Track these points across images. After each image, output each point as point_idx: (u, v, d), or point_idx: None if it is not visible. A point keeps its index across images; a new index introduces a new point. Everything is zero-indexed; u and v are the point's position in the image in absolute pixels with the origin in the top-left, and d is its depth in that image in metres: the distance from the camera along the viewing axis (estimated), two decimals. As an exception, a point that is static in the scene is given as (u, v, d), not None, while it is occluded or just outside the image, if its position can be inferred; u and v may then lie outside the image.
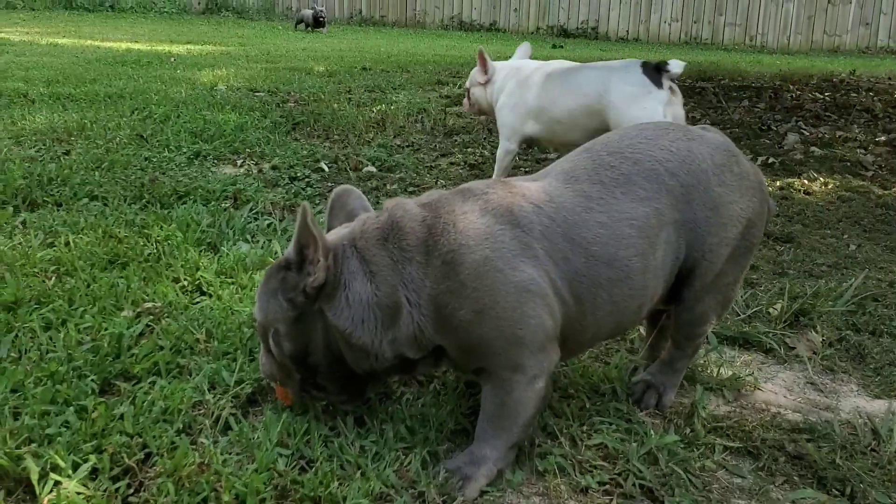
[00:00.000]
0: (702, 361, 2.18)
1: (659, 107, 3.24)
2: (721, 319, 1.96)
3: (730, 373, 2.14)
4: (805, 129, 6.13)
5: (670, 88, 3.29)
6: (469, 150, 4.92)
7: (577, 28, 18.80)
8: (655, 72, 3.29)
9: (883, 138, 5.85)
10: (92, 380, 1.83)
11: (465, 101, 4.10)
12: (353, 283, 1.60)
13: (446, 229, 1.60)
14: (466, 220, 1.61)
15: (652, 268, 1.72)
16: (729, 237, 1.79)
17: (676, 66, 3.30)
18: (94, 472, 1.53)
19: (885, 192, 4.32)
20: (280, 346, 1.66)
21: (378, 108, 6.06)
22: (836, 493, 1.66)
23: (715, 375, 2.13)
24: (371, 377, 1.71)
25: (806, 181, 4.43)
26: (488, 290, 1.56)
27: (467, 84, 4.05)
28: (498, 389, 1.65)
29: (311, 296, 1.59)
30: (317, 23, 6.58)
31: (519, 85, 3.67)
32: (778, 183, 4.35)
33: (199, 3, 19.64)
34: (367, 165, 4.28)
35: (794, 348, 2.34)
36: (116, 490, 1.50)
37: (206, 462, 1.56)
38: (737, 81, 9.45)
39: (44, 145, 4.10)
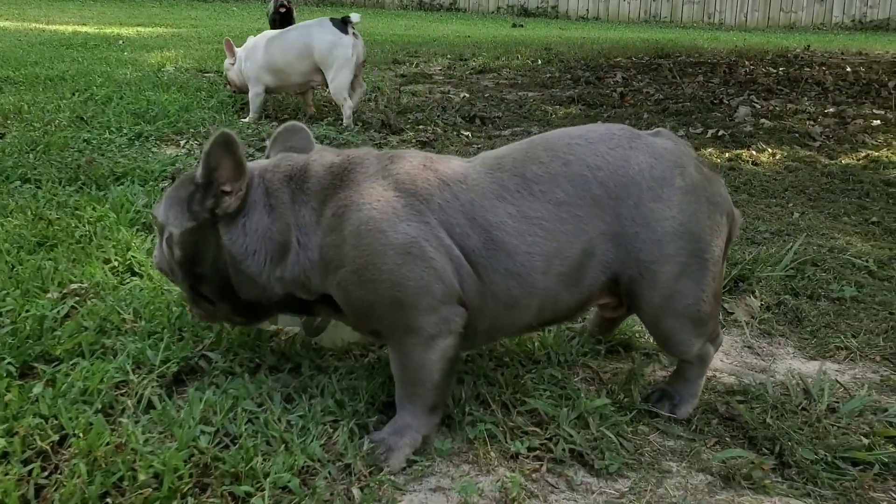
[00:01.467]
0: (638, 328, 2.17)
1: (349, 48, 4.55)
2: (707, 331, 1.77)
3: (667, 339, 2.13)
4: (757, 103, 6.18)
5: (353, 34, 4.59)
6: (421, 127, 4.87)
7: (538, 7, 18.78)
8: (343, 24, 4.58)
9: (832, 110, 5.91)
10: (9, 363, 1.77)
11: (226, 85, 5.15)
12: (252, 212, 1.63)
13: (346, 184, 1.61)
14: (367, 181, 1.61)
15: (557, 273, 1.63)
16: (667, 254, 1.65)
17: (356, 17, 4.64)
18: (3, 456, 1.48)
19: (831, 161, 4.36)
20: (171, 250, 1.69)
21: (330, 87, 5.97)
22: (766, 451, 1.66)
23: (651, 341, 2.12)
24: (260, 306, 1.72)
25: (754, 152, 4.45)
26: (367, 249, 1.55)
27: (224, 71, 5.06)
28: (396, 353, 1.63)
29: (217, 217, 1.62)
30: (283, 18, 6.16)
31: (250, 51, 4.76)
32: (727, 154, 4.37)
33: (152, -13, 19.26)
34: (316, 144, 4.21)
35: (732, 313, 2.34)
36: (29, 473, 1.45)
37: (123, 442, 1.51)
38: (693, 58, 9.50)
39: None
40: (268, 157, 1.82)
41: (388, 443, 1.59)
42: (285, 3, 6.47)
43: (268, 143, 1.89)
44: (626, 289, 1.70)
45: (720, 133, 4.91)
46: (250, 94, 4.80)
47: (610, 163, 1.66)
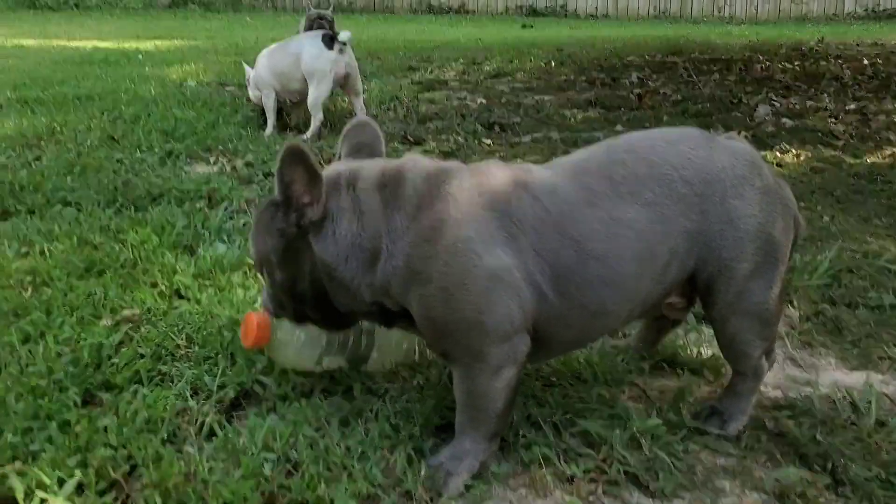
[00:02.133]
0: (681, 343, 2.20)
1: (328, 63, 4.74)
2: (769, 340, 1.82)
3: (710, 353, 2.16)
4: (776, 101, 6.18)
5: (340, 50, 4.76)
6: (443, 136, 4.90)
7: (547, 7, 18.77)
8: (329, 40, 4.76)
9: (853, 106, 5.90)
10: (74, 392, 1.82)
11: (248, 99, 5.27)
12: (341, 219, 1.62)
13: (442, 196, 1.61)
14: (463, 195, 1.61)
15: (649, 275, 1.68)
16: (747, 253, 1.70)
17: (344, 35, 4.78)
18: (80, 488, 1.53)
19: (857, 160, 4.36)
20: (272, 278, 1.70)
21: (350, 97, 6.02)
22: (818, 468, 1.69)
23: (695, 356, 2.15)
24: (353, 315, 1.74)
25: (778, 153, 4.46)
26: (459, 269, 1.56)
27: (249, 89, 5.18)
28: (463, 378, 1.66)
29: (304, 228, 1.62)
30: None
31: (260, 61, 4.98)
32: (751, 157, 4.38)
33: (164, -3, 19.41)
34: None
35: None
36: (103, 504, 1.50)
37: (192, 471, 1.56)
38: (707, 55, 9.50)
39: (14, 151, 4.05)
40: (339, 156, 1.83)
41: (446, 468, 1.62)
42: (327, 17, 6.43)
43: (338, 141, 1.87)
44: (704, 285, 1.75)
45: (742, 134, 4.92)
46: (263, 101, 4.97)
47: (693, 161, 1.70)
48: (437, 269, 1.56)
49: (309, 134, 4.81)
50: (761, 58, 8.99)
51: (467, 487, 1.62)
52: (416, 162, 1.69)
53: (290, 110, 5.22)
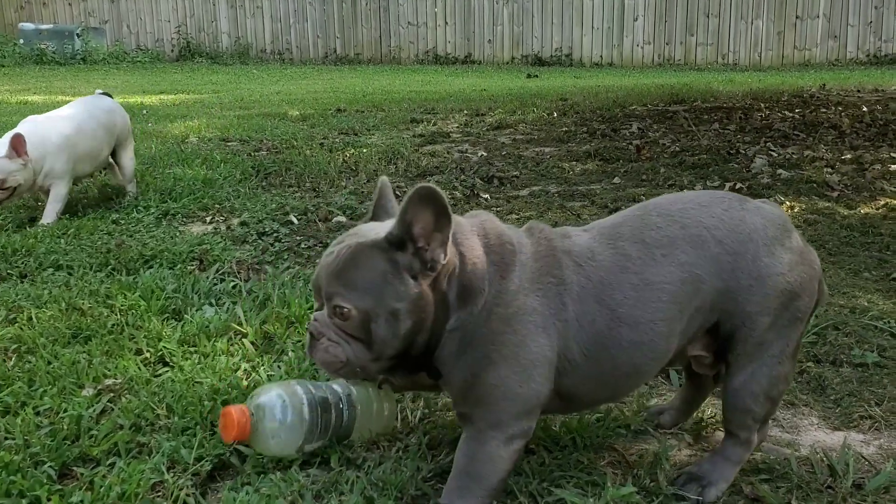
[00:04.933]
0: (663, 402, 2.19)
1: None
2: (772, 405, 1.86)
3: (696, 416, 2.15)
4: (773, 150, 6.21)
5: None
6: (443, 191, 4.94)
7: (552, 56, 19.01)
8: (108, 96, 4.64)
9: (849, 156, 5.92)
10: (50, 466, 1.83)
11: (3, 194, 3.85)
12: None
13: (521, 258, 1.70)
14: (533, 261, 1.71)
15: (677, 333, 1.75)
16: (770, 307, 1.76)
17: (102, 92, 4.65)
18: (47, 567, 1.53)
19: (850, 211, 4.37)
20: (396, 328, 1.61)
21: (351, 151, 6.11)
22: (793, 537, 1.67)
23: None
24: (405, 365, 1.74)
25: (772, 205, 4.46)
26: (521, 337, 1.63)
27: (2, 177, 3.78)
28: (473, 441, 1.68)
29: (435, 271, 1.61)
30: None
31: (57, 141, 4.09)
32: (745, 209, 4.39)
33: (172, 51, 19.77)
34: (338, 215, 4.30)
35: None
36: (71, 582, 1.50)
37: (161, 548, 1.56)
38: (709, 103, 9.57)
39: (9, 213, 4.11)
40: (375, 214, 1.82)
41: None
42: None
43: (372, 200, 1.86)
44: (726, 334, 1.80)
45: (738, 186, 4.94)
46: (60, 194, 4.09)
47: (726, 222, 1.77)
48: (499, 330, 1.64)
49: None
50: (762, 105, 9.06)
51: (438, 561, 1.61)
52: (493, 219, 1.79)
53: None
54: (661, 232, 1.75)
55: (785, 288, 1.76)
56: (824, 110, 8.58)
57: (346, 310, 1.60)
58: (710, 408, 2.23)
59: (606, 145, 6.57)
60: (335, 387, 2.00)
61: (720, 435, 2.10)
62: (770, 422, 1.99)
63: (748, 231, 1.76)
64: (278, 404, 1.89)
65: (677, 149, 6.36)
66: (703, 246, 1.74)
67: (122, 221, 3.98)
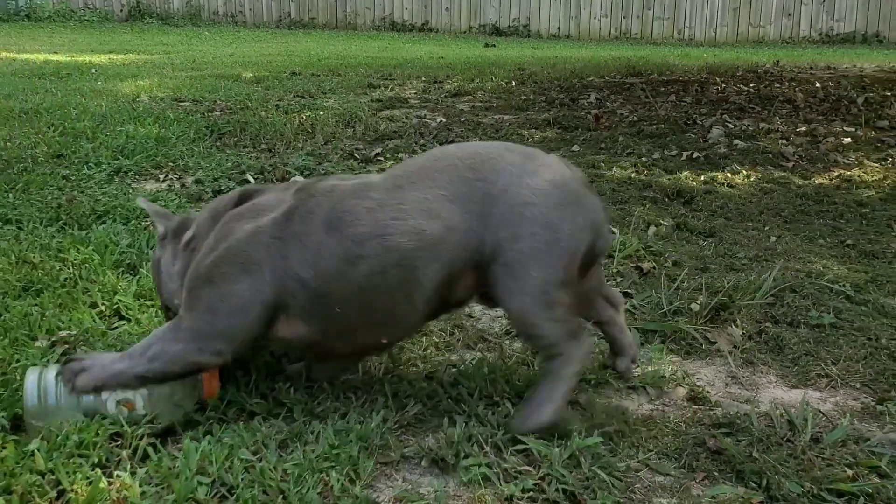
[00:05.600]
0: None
1: None
2: (561, 323, 1.84)
3: (652, 370, 2.17)
4: (729, 122, 6.28)
5: None
6: (400, 154, 4.90)
7: (509, 26, 18.91)
8: None
9: (803, 128, 6.02)
10: (2, 416, 1.77)
11: None
12: None
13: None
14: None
15: (421, 247, 1.76)
16: (523, 236, 1.78)
17: None
18: (2, 514, 1.48)
19: (805, 181, 4.45)
20: None
21: (307, 114, 6.01)
22: (754, 485, 1.70)
23: (638, 374, 2.16)
24: None
25: (729, 174, 4.53)
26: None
27: None
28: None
29: None
30: None
31: None
32: (702, 177, 4.45)
33: (121, 11, 19.18)
34: (295, 175, 4.23)
35: (714, 343, 2.39)
36: (27, 531, 1.45)
37: (122, 496, 1.52)
38: (665, 76, 9.64)
39: (-45, 167, 3.96)
40: None
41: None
42: None
43: None
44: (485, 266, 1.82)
45: (695, 155, 5.00)
46: None
47: (481, 154, 1.87)
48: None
49: None
50: (717, 80, 9.14)
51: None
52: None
53: None
54: (415, 165, 1.90)
55: (538, 217, 1.79)
56: (778, 85, 8.70)
57: None
58: (670, 365, 2.26)
59: (565, 114, 6.58)
60: None
61: (681, 390, 2.13)
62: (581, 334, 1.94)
63: (503, 162, 1.83)
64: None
65: (635, 119, 6.39)
66: (454, 172, 1.82)
67: (73, 178, 3.85)
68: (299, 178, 4.11)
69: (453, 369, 2.17)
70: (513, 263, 1.79)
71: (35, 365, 1.93)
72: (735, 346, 2.37)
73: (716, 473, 1.76)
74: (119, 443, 1.74)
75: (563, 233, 1.81)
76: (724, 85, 8.70)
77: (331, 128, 5.62)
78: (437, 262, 1.78)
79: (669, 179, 4.34)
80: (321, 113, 6.08)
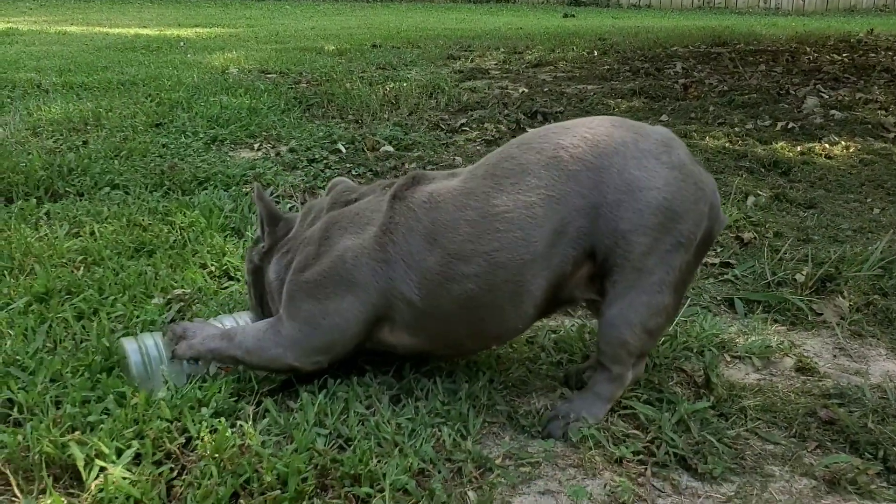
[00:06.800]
0: (733, 329, 2.18)
1: None
2: (650, 338, 1.72)
3: (758, 340, 2.14)
4: (824, 92, 6.07)
5: None
6: (485, 125, 4.90)
7: (588, -3, 18.61)
8: None
9: (903, 98, 5.78)
10: (128, 367, 1.86)
11: None
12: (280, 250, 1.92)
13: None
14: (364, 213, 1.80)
15: (529, 261, 1.64)
16: (646, 225, 1.62)
17: None
18: (137, 458, 1.56)
19: (907, 152, 4.27)
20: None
21: (391, 85, 6.05)
22: (869, 456, 1.67)
23: (743, 343, 2.13)
24: None
25: (827, 145, 4.39)
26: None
27: None
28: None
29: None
30: None
31: None
32: (798, 148, 4.32)
33: (205, -14, 19.54)
34: (384, 145, 4.27)
35: (821, 314, 2.34)
36: (160, 474, 1.53)
37: (246, 444, 1.59)
38: (752, 45, 9.35)
39: (61, 135, 4.13)
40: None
41: None
42: None
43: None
44: (602, 261, 1.67)
45: (790, 125, 4.85)
46: None
47: (588, 139, 1.67)
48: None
49: None
50: (808, 49, 8.83)
51: (516, 465, 1.62)
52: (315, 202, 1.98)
53: None
54: (515, 161, 1.69)
55: (661, 205, 1.63)
56: (874, 55, 8.35)
57: None
58: (776, 336, 2.22)
59: (651, 84, 6.46)
60: None
61: (788, 360, 2.09)
62: (646, 359, 1.87)
63: (614, 145, 1.66)
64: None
65: (725, 88, 6.23)
66: (559, 166, 1.65)
67: (172, 146, 3.98)
68: (389, 149, 4.16)
69: (553, 335, 2.18)
70: (634, 258, 1.63)
71: (127, 336, 1.96)
72: (842, 318, 2.31)
73: (828, 443, 1.73)
74: (239, 395, 1.80)
75: (686, 224, 1.65)
76: (815, 55, 8.39)
77: (414, 99, 5.64)
78: (548, 270, 1.66)
79: (765, 150, 4.23)
80: (404, 84, 6.10)
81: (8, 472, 1.52)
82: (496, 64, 7.87)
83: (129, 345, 1.85)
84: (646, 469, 1.63)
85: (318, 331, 1.74)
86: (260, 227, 1.95)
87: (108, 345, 1.92)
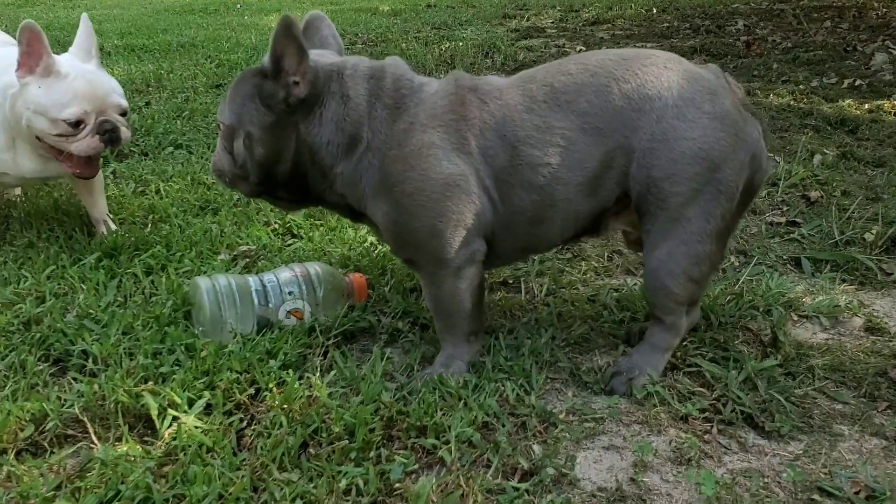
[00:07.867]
0: (800, 288, 2.14)
1: None
2: (697, 286, 1.70)
3: (826, 300, 2.10)
4: (893, 48, 5.84)
5: None
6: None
7: (644, -47, 18.14)
8: None
9: (979, 53, 5.53)
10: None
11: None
12: (329, 102, 1.65)
13: (420, 98, 1.67)
14: (431, 99, 1.67)
15: (576, 184, 1.64)
16: (680, 176, 1.60)
17: None
18: (208, 408, 1.61)
19: (983, 110, 4.10)
20: (251, 150, 1.69)
21: (446, 45, 6.00)
22: (944, 417, 1.64)
23: (810, 303, 2.09)
24: (320, 201, 1.79)
25: (896, 102, 4.23)
26: (422, 173, 1.61)
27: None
28: (429, 285, 1.74)
29: (292, 106, 1.64)
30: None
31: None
32: (867, 105, 4.18)
33: (258, -52, 19.55)
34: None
35: (891, 274, 2.28)
36: (230, 424, 1.57)
37: (314, 396, 1.62)
38: (816, 1, 9.03)
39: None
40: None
41: (436, 371, 1.73)
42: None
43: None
44: (637, 204, 1.66)
45: (857, 83, 4.69)
46: None
47: (639, 76, 1.63)
48: (404, 172, 1.62)
49: None
50: (876, 4, 8.49)
51: (580, 420, 1.63)
52: (399, 64, 1.74)
53: None
54: (571, 78, 1.65)
55: (697, 155, 1.59)
56: (947, 8, 8.00)
57: (221, 122, 1.73)
58: (844, 295, 2.18)
59: (712, 41, 6.29)
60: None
61: (857, 320, 2.05)
62: (699, 305, 1.87)
63: (659, 88, 1.61)
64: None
65: (789, 45, 6.04)
66: (607, 97, 1.62)
67: (232, 106, 4.02)
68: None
69: (615, 293, 2.17)
70: (670, 207, 1.62)
71: (201, 276, 2.04)
72: (915, 277, 2.25)
73: (900, 404, 1.70)
74: (306, 348, 1.84)
75: (725, 173, 1.62)
76: (884, 9, 8.06)
77: (470, 58, 5.59)
78: (594, 199, 1.67)
79: (831, 107, 4.10)
80: (460, 44, 6.05)
81: (86, 419, 1.58)
82: (552, 22, 7.74)
83: (202, 283, 1.90)
84: (712, 426, 1.62)
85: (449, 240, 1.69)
86: (278, 61, 1.60)
87: (179, 293, 1.97)
